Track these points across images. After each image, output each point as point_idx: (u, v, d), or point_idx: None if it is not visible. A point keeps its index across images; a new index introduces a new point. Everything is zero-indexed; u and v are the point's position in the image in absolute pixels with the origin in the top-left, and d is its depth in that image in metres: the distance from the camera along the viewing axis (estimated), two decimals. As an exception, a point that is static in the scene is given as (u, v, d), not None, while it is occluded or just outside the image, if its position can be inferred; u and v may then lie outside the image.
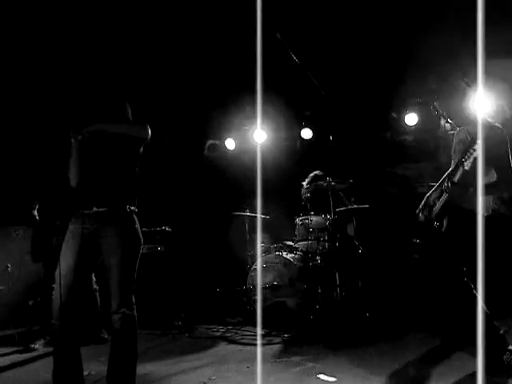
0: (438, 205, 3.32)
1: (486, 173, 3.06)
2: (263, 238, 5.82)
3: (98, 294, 4.54)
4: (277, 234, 6.02)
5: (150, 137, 3.07)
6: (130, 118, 3.19)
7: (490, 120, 3.13)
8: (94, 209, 2.91)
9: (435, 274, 3.38)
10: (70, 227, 2.97)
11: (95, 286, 4.56)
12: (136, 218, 3.03)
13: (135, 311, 2.91)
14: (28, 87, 5.42)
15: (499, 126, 3.11)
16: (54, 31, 4.89)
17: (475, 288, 3.15)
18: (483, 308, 3.14)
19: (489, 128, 3.08)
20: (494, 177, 3.10)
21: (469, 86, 3.23)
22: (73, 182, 3.00)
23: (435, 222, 3.34)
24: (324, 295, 5.06)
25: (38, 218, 4.64)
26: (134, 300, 2.91)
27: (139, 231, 3.02)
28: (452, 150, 3.48)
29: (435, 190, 3.48)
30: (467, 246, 3.17)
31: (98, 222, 2.90)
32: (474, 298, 3.15)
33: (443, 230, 3.30)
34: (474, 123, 3.15)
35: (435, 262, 3.36)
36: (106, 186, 2.95)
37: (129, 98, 3.22)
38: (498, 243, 5.17)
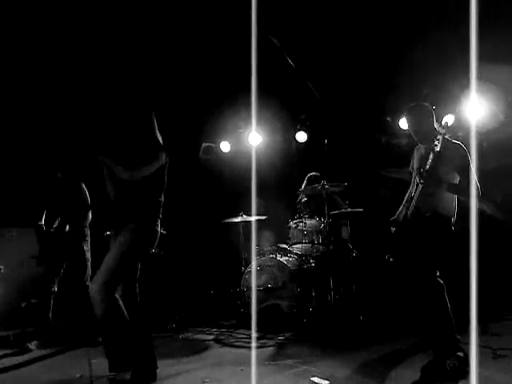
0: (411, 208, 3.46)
1: (450, 175, 3.36)
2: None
3: None
4: (271, 237, 6.02)
5: (155, 167, 3.19)
6: (154, 130, 3.34)
7: (449, 139, 3.42)
8: (116, 218, 3.20)
9: (408, 277, 3.48)
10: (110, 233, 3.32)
11: None
12: (151, 224, 3.20)
13: (111, 300, 2.99)
14: (36, 93, 5.44)
15: (458, 143, 3.38)
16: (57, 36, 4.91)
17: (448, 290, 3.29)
18: (449, 312, 3.26)
19: (451, 147, 3.36)
20: (456, 179, 3.37)
21: (433, 108, 3.58)
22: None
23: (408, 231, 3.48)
24: (318, 298, 5.07)
25: (43, 226, 4.64)
26: (114, 287, 3.01)
27: (148, 235, 3.18)
28: (411, 166, 3.77)
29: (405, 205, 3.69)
30: (442, 250, 3.30)
31: (119, 224, 3.15)
32: (444, 300, 3.27)
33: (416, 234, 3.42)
34: (431, 141, 3.45)
35: (408, 266, 3.45)
36: (122, 200, 3.19)
37: (151, 110, 3.39)
38: (492, 247, 5.24)
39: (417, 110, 3.57)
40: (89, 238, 4.72)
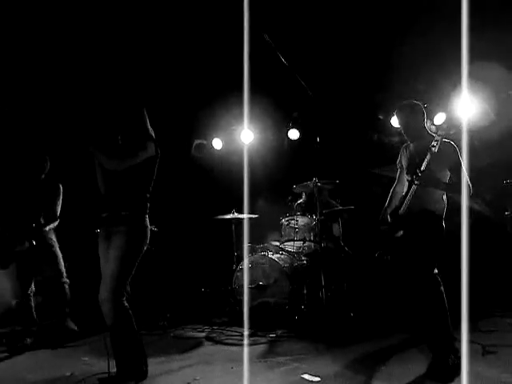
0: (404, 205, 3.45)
1: (442, 173, 3.37)
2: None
3: (67, 286, 4.59)
4: (263, 234, 6.02)
5: (145, 157, 3.14)
6: (145, 124, 3.30)
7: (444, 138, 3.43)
8: (106, 213, 3.18)
9: (405, 273, 3.49)
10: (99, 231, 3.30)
11: (65, 280, 4.59)
12: (141, 222, 3.18)
13: (121, 307, 3.00)
14: (30, 90, 5.38)
15: (450, 141, 3.38)
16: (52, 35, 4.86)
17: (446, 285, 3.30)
18: (447, 310, 3.25)
19: (445, 146, 3.35)
20: (447, 177, 3.39)
21: (424, 106, 3.61)
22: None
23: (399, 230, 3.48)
24: (309, 295, 5.08)
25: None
26: (121, 292, 3.01)
27: (141, 234, 3.16)
28: (398, 163, 3.78)
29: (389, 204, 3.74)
30: (438, 247, 3.31)
31: (109, 224, 3.16)
32: (442, 297, 3.27)
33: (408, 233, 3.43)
34: (421, 140, 3.50)
35: (405, 263, 3.45)
36: (111, 194, 3.18)
37: (140, 105, 3.35)
38: (481, 244, 5.27)
39: (408, 109, 3.56)
40: (54, 236, 4.69)
